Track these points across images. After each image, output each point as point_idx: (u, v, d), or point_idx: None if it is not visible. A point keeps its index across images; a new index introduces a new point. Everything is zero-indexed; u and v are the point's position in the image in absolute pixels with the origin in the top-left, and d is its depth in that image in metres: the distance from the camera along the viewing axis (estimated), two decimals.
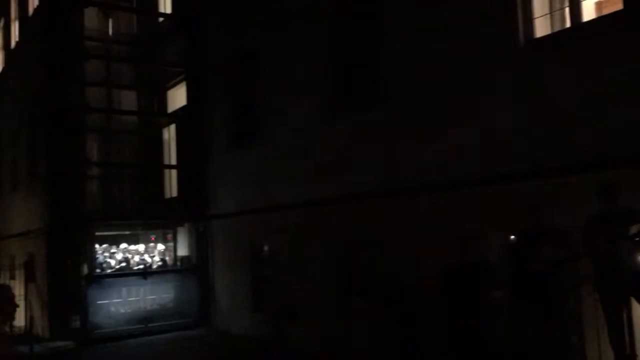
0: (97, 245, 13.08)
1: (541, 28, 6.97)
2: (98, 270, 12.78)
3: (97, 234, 13.00)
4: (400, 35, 8.44)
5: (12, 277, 17.33)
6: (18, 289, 14.71)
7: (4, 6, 19.98)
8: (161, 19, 15.30)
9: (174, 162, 14.80)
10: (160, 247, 14.01)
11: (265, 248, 11.44)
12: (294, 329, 8.78)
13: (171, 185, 14.71)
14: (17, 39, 18.78)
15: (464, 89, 7.53)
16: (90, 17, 13.55)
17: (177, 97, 14.83)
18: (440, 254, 6.61)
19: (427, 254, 7.57)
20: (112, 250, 13.48)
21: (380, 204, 8.64)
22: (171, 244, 13.98)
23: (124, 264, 13.34)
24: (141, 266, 13.36)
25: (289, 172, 10.65)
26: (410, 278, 7.85)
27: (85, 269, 12.31)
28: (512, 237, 6.48)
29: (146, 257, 13.67)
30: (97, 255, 13.01)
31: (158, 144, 15.32)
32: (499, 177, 6.97)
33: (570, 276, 5.91)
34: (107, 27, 14.38)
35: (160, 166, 15.30)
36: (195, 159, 13.61)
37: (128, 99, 14.91)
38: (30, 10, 16.57)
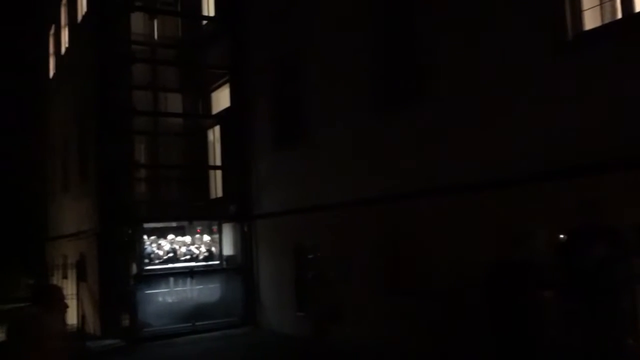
0: (145, 237, 13.32)
1: (589, 20, 6.79)
2: (146, 261, 13.02)
3: (145, 226, 13.22)
4: (447, 31, 8.34)
5: (65, 277, 17.88)
6: (70, 288, 15.18)
7: (54, 14, 20.64)
8: (205, 22, 15.50)
9: (218, 162, 14.98)
10: (206, 238, 14.18)
11: (309, 247, 11.47)
12: (338, 328, 8.77)
13: (216, 185, 14.86)
14: (66, 45, 19.36)
15: (512, 85, 7.38)
16: (137, 21, 13.83)
17: (221, 99, 15.00)
18: (488, 252, 6.49)
19: (474, 253, 7.45)
20: (160, 242, 13.69)
21: (425, 202, 8.56)
22: (216, 235, 14.13)
23: (171, 254, 13.55)
24: (188, 257, 13.57)
25: (333, 171, 10.65)
26: (457, 277, 7.75)
27: (134, 269, 12.59)
28: (563, 235, 6.31)
29: (193, 248, 13.87)
30: (145, 246, 13.26)
31: (203, 145, 15.54)
32: (549, 175, 6.81)
33: (623, 275, 5.72)
34: (153, 30, 14.63)
35: (205, 167, 15.50)
36: (240, 159, 13.74)
37: (174, 101, 15.14)
38: (79, 17, 17.06)
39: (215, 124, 15.30)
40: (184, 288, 12.97)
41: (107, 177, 13.26)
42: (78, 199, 16.48)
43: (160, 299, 12.79)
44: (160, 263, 13.29)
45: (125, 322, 12.43)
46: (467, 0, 8.07)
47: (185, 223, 14.30)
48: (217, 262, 13.76)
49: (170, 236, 13.91)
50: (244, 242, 13.54)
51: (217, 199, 14.91)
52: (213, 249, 13.96)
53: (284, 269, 12.11)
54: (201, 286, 13.12)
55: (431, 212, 8.45)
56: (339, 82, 10.57)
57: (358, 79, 10.07)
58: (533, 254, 6.06)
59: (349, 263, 9.53)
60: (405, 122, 9.11)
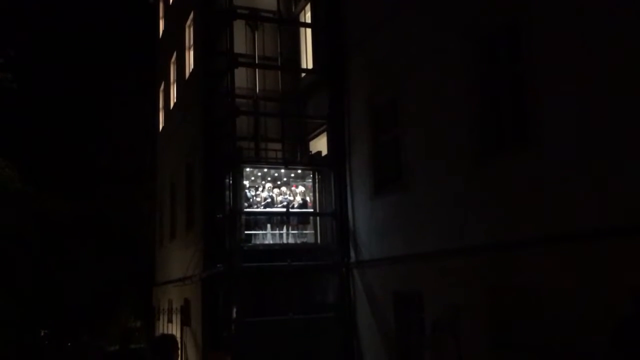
0: (245, 183, 13.62)
1: None
2: (245, 204, 13.30)
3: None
4: (553, 75, 8.13)
5: (170, 321, 18.57)
6: (175, 332, 15.70)
7: (164, 71, 22.18)
8: (304, 75, 16.00)
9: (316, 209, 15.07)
10: (301, 189, 14.27)
11: (411, 297, 11.22)
12: None
13: (317, 228, 14.72)
14: (175, 100, 20.64)
15: (630, 128, 7.04)
16: (240, 76, 14.48)
17: (319, 147, 15.29)
18: (611, 305, 6.09)
19: (594, 306, 7.05)
20: (258, 192, 13.91)
21: (534, 251, 8.22)
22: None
23: (269, 201, 13.81)
24: (284, 203, 13.83)
25: (434, 219, 10.48)
26: (575, 332, 7.31)
27: (234, 313, 12.78)
28: None
29: (288, 196, 14.09)
30: (245, 191, 13.54)
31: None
32: None
33: None
34: (255, 84, 15.27)
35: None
36: (337, 206, 13.80)
37: (273, 149, 15.55)
38: (187, 74, 18.18)
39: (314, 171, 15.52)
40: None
41: (212, 225, 13.74)
42: (184, 245, 17.18)
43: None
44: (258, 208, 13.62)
45: None
46: (581, 42, 7.85)
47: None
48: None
49: (269, 185, 14.04)
50: (342, 290, 13.41)
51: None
52: (307, 198, 14.12)
53: (385, 320, 11.88)
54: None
55: (542, 261, 8.06)
56: (436, 130, 10.53)
57: (455, 126, 10.00)
58: None
59: (455, 313, 9.19)
60: (506, 169, 8.93)
